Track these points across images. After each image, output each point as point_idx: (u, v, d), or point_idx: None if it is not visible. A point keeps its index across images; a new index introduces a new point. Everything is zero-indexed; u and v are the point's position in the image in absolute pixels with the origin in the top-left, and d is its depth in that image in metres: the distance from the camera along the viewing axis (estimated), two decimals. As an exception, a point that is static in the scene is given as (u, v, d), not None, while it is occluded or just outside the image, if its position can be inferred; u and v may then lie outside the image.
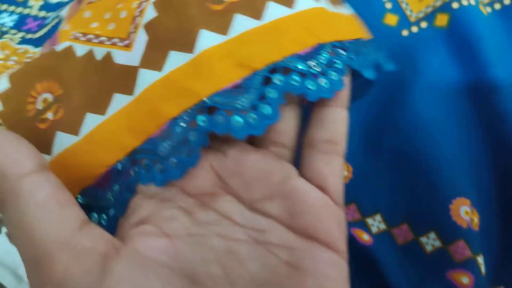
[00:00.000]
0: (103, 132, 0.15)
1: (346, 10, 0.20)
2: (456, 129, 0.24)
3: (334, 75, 0.15)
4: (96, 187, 0.15)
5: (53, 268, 0.11)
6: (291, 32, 0.15)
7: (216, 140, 0.15)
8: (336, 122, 0.16)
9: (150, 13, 0.16)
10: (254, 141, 0.16)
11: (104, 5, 0.19)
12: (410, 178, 0.23)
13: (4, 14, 0.26)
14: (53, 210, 0.12)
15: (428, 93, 0.25)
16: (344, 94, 0.16)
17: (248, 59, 0.14)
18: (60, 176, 0.15)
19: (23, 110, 0.16)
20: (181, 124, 0.14)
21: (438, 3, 0.26)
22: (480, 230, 0.22)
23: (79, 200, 0.15)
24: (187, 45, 0.14)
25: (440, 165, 0.23)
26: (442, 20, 0.26)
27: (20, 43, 0.24)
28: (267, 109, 0.14)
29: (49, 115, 0.16)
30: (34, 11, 0.26)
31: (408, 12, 0.27)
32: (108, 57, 0.16)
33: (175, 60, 0.14)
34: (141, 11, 0.16)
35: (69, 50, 0.17)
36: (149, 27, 0.15)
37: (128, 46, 0.16)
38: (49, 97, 0.16)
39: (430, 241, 0.22)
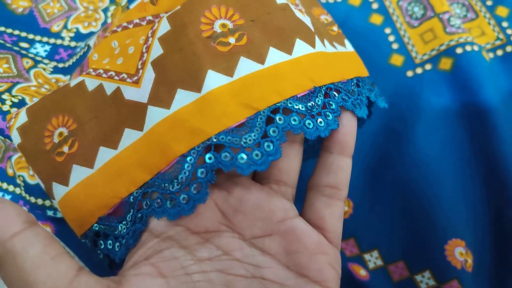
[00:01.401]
0: (116, 166, 0.16)
1: (347, 48, 0.21)
2: (454, 170, 0.25)
3: (329, 116, 0.16)
4: (111, 217, 0.16)
5: None
6: (290, 76, 0.16)
7: (220, 177, 0.16)
8: (341, 169, 0.17)
9: (157, 49, 0.16)
10: (258, 178, 0.17)
11: (117, 38, 0.20)
12: (408, 216, 0.24)
13: (38, 45, 0.28)
14: (47, 265, 0.13)
15: (430, 133, 0.26)
16: (350, 144, 0.17)
17: (252, 100, 0.15)
18: (76, 206, 0.17)
19: (41, 143, 0.18)
20: (189, 161, 0.15)
21: (443, 47, 0.28)
22: (473, 271, 0.22)
23: (95, 228, 0.17)
24: (195, 85, 0.15)
25: (439, 205, 0.24)
26: (446, 63, 0.27)
27: (52, 73, 0.26)
28: (269, 146, 0.15)
29: (65, 148, 0.17)
30: (66, 42, 0.28)
31: (413, 54, 0.29)
32: (118, 92, 0.17)
33: (183, 98, 0.15)
34: (147, 47, 0.17)
35: (81, 85, 0.18)
36: (156, 64, 0.16)
37: (136, 83, 0.17)
38: (64, 131, 0.18)
39: (425, 280, 0.22)
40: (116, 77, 0.17)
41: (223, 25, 0.16)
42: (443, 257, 0.22)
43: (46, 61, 0.27)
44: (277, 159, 0.15)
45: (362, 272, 0.23)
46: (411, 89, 0.27)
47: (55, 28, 0.29)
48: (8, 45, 0.26)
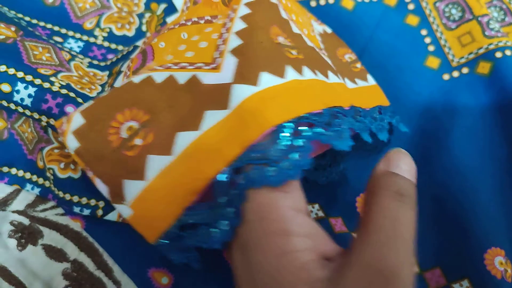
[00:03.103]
0: (200, 146, 0.15)
1: (369, 82, 0.25)
2: (492, 178, 0.24)
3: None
4: (201, 203, 0.15)
5: None
6: (336, 92, 0.19)
7: None
8: None
9: (235, 41, 0.18)
10: None
11: (176, 39, 0.20)
12: (443, 222, 0.24)
13: (71, 40, 0.28)
14: None
15: (466, 138, 0.25)
16: None
17: (321, 98, 0.18)
18: (160, 198, 0.16)
19: (105, 142, 0.17)
20: (287, 130, 0.15)
21: (481, 51, 0.27)
22: (513, 282, 0.22)
23: (183, 221, 0.15)
24: (279, 73, 0.17)
25: (476, 213, 0.23)
26: (484, 68, 0.27)
27: (88, 67, 0.26)
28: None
29: (138, 141, 0.16)
30: (99, 41, 0.28)
31: (450, 57, 0.28)
32: (193, 79, 0.17)
33: (269, 80, 0.16)
34: (223, 40, 0.18)
35: (148, 80, 0.18)
36: (236, 51, 0.17)
37: (216, 69, 0.17)
38: (134, 124, 0.17)
39: (463, 289, 0.22)
40: (190, 67, 0.18)
41: (284, 40, 0.19)
42: (482, 266, 0.22)
43: (80, 56, 0.27)
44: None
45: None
46: (448, 92, 0.27)
47: (87, 25, 0.28)
48: (44, 37, 0.26)
